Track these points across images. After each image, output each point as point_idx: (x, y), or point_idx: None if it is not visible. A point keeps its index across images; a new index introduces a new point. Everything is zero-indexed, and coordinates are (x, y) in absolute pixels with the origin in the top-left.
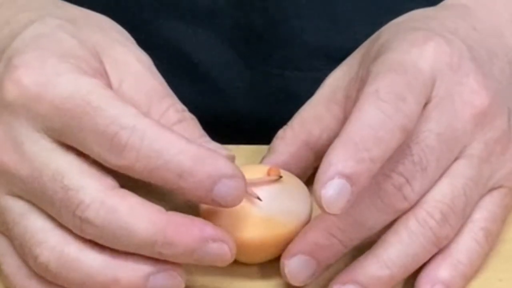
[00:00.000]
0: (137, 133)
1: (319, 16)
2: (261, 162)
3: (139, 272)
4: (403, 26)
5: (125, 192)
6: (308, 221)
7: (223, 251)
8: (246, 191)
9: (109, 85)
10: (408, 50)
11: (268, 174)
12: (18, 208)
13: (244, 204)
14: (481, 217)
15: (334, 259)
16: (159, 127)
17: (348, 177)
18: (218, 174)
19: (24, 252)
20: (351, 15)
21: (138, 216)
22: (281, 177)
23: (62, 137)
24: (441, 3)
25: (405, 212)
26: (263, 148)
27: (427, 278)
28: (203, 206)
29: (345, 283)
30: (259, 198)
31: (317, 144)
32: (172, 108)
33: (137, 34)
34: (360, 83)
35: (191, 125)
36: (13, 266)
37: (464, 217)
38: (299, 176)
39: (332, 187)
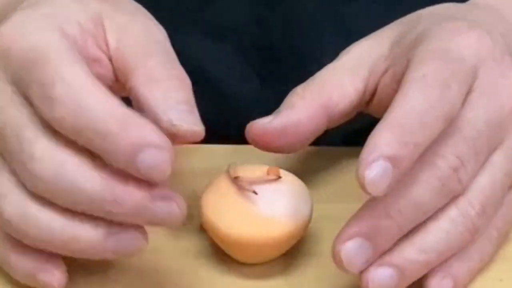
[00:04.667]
0: (71, 90)
1: (337, 37)
2: (275, 113)
3: (98, 231)
4: (443, 15)
5: (77, 149)
6: (308, 221)
7: (172, 209)
8: (171, 164)
9: (98, 45)
10: (452, 38)
11: (268, 173)
12: None
13: (244, 204)
14: (499, 216)
15: (388, 244)
16: (96, 87)
17: (392, 160)
18: (143, 142)
19: None
20: None
21: (86, 172)
22: (280, 177)
23: (23, 89)
24: (469, 2)
25: (457, 196)
26: None
27: (439, 268)
28: (204, 206)
29: (381, 265)
30: (255, 192)
31: (333, 110)
32: (161, 64)
33: None
34: (391, 63)
35: (177, 86)
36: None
37: (496, 210)
38: (309, 137)
39: (376, 169)
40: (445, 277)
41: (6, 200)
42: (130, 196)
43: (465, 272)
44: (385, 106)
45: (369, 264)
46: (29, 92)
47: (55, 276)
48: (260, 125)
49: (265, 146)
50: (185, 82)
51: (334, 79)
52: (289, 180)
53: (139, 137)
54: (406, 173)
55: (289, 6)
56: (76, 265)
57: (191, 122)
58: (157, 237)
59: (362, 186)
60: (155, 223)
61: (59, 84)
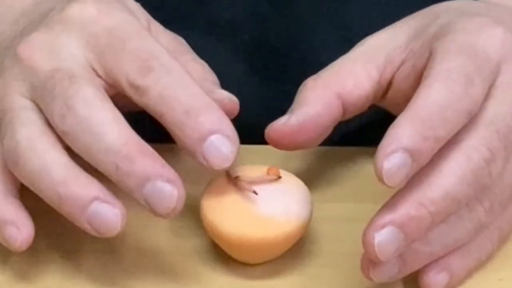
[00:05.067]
0: (166, 66)
1: (335, 36)
2: (290, 111)
3: (88, 190)
4: (465, 10)
5: (117, 111)
6: (308, 221)
7: (171, 195)
8: (235, 156)
9: None
10: (478, 33)
11: (268, 173)
12: (20, 102)
13: (244, 204)
14: (504, 216)
15: (420, 234)
16: (187, 73)
17: (411, 153)
18: (218, 126)
19: (5, 126)
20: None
21: (117, 126)
22: (280, 177)
23: (98, 59)
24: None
25: (484, 190)
26: (264, 148)
27: (436, 262)
28: (204, 206)
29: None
30: (255, 192)
31: (347, 98)
32: (192, 60)
33: None
34: (408, 56)
35: (210, 73)
36: None
37: (503, 210)
38: (327, 128)
39: (394, 160)
40: (441, 271)
41: (24, 128)
42: (142, 161)
43: (462, 269)
44: (400, 100)
45: (400, 252)
46: (110, 60)
47: (22, 234)
48: (277, 127)
49: (286, 146)
50: (213, 73)
51: (347, 68)
52: (289, 180)
53: (218, 119)
54: (423, 165)
55: (288, 4)
56: (74, 265)
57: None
58: (157, 237)
59: (379, 176)
60: (149, 201)
61: (156, 59)
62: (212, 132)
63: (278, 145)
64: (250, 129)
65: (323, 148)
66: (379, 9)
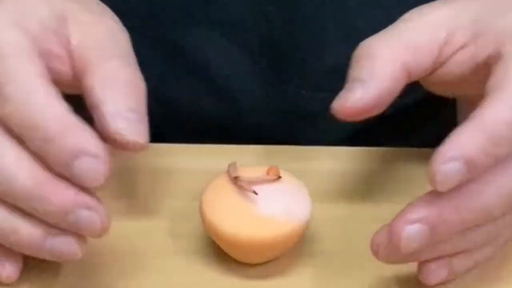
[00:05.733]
0: (19, 90)
1: (341, 38)
2: (360, 84)
3: (37, 229)
4: None
5: (21, 144)
6: (308, 221)
7: (93, 220)
8: (107, 173)
9: (60, 42)
10: None
11: (268, 173)
12: None
13: (244, 204)
14: (508, 223)
15: (446, 238)
16: (45, 91)
17: (470, 164)
18: (80, 149)
19: None
20: None
21: (21, 166)
22: (280, 177)
23: None
24: None
25: None
26: (264, 148)
27: (437, 260)
28: (203, 206)
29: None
30: (255, 192)
31: (411, 71)
32: (118, 68)
33: (159, 41)
34: (470, 39)
35: (130, 93)
36: None
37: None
38: (395, 96)
39: (452, 166)
40: (442, 267)
41: None
42: (58, 197)
43: (461, 268)
44: (446, 80)
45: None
46: None
47: (5, 269)
48: (353, 102)
49: (356, 118)
50: (140, 88)
51: (412, 39)
52: (289, 180)
53: (76, 143)
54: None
55: (293, 4)
56: (73, 267)
57: (137, 132)
58: (157, 237)
59: (432, 178)
60: (77, 229)
61: (11, 83)
62: (75, 157)
63: (348, 118)
64: (253, 129)
65: (323, 148)
66: (384, 9)
